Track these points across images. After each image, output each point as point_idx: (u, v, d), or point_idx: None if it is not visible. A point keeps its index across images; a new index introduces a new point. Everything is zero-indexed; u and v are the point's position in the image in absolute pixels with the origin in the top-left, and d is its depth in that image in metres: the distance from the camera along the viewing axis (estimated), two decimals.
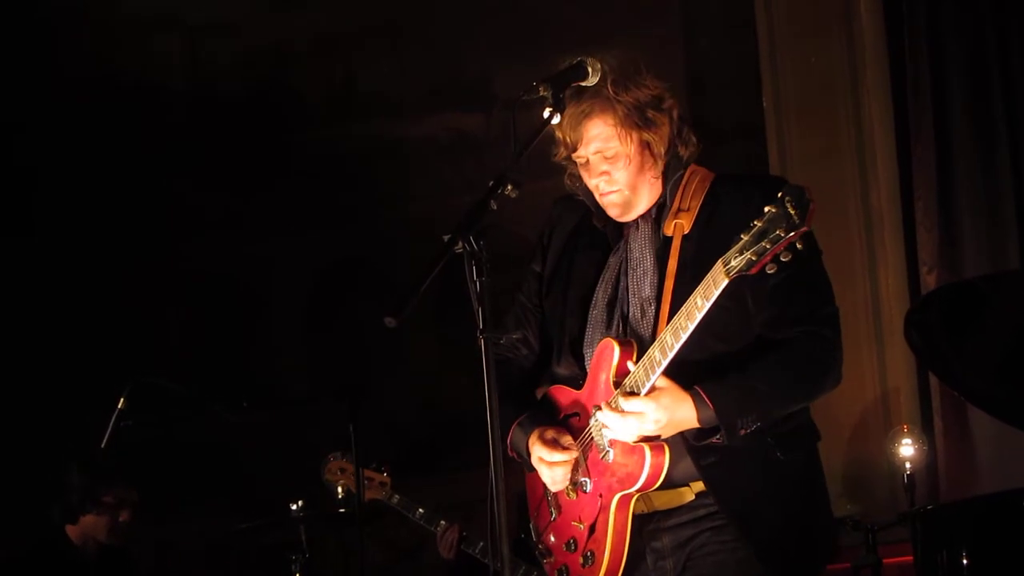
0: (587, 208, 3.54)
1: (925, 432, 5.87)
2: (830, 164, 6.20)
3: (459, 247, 3.03)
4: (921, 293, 5.93)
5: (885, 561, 5.40)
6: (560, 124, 3.35)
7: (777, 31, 6.40)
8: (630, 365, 3.31)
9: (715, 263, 3.07)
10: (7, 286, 7.02)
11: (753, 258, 2.97)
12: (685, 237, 3.34)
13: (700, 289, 3.10)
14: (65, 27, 7.26)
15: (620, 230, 3.50)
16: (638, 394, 3.23)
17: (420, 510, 5.72)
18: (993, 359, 4.57)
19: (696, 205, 3.38)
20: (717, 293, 3.05)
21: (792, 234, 2.92)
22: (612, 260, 3.49)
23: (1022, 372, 4.55)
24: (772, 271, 3.00)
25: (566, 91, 3.29)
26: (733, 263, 3.00)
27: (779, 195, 2.95)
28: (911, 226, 6.10)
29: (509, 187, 3.12)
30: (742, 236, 2.99)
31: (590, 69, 3.29)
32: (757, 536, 3.28)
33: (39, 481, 5.54)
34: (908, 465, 5.65)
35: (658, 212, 3.43)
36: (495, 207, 3.09)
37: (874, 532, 5.44)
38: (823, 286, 3.38)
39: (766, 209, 2.96)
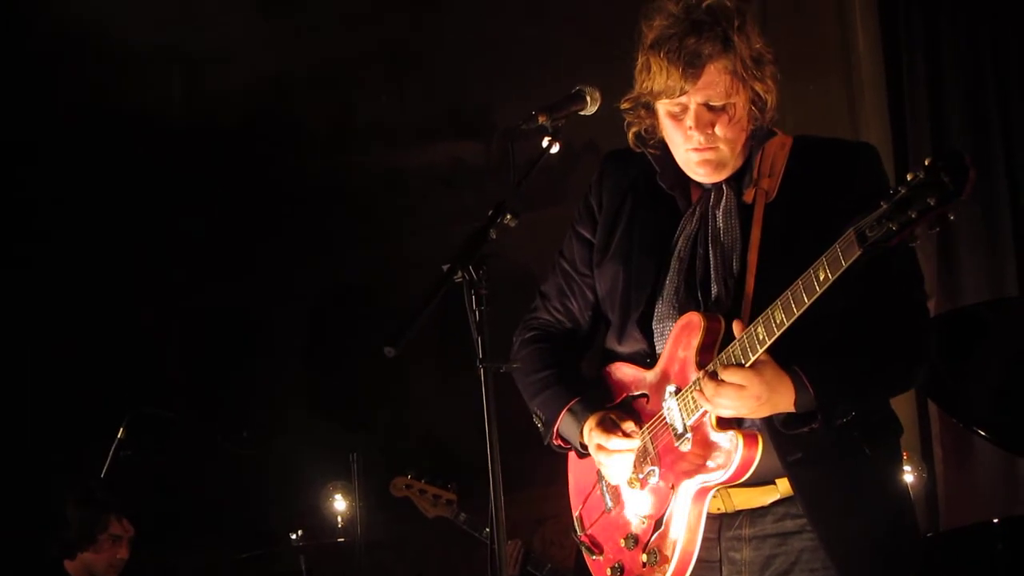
0: (644, 165, 3.28)
1: (924, 459, 5.85)
2: None
3: (458, 276, 2.94)
4: None
5: None
6: (654, 62, 3.08)
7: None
8: (719, 342, 3.03)
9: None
10: (7, 318, 7.02)
11: (894, 228, 2.61)
12: (769, 206, 3.10)
13: (823, 262, 2.77)
14: (65, 58, 7.28)
15: (689, 194, 3.25)
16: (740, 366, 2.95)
17: (487, 530, 5.66)
18: (992, 386, 4.57)
19: (779, 170, 3.13)
20: (846, 266, 2.73)
21: (947, 205, 2.57)
22: (687, 227, 3.21)
23: (1020, 399, 4.55)
24: (914, 244, 2.69)
25: (564, 119, 3.13)
26: (870, 233, 2.65)
27: (929, 161, 2.60)
28: None
29: (508, 216, 3.00)
30: (882, 204, 2.63)
31: (588, 98, 3.19)
32: (843, 555, 3.01)
33: (38, 514, 5.53)
34: None
35: (739, 176, 3.18)
36: (494, 236, 3.01)
37: None
38: (918, 270, 3.14)
39: (910, 176, 2.62)
